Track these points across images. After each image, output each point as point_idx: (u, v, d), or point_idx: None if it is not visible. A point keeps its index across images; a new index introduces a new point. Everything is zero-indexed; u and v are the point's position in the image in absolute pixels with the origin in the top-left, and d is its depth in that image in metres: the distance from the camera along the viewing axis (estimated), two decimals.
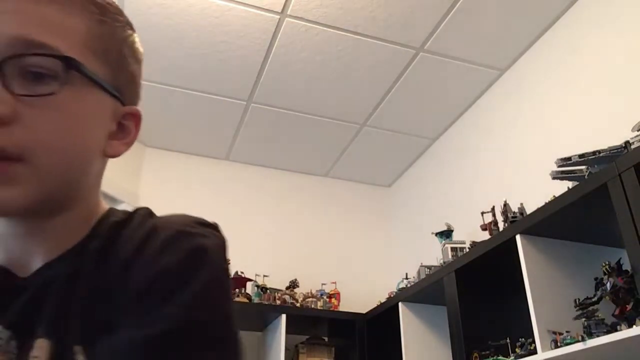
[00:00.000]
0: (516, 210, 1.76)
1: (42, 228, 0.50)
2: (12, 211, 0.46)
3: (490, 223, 1.97)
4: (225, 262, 0.51)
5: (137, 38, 0.56)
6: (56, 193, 0.48)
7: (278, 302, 2.53)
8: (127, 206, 2.72)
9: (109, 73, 0.51)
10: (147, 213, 0.54)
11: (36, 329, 0.47)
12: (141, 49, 0.58)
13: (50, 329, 0.47)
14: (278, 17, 2.13)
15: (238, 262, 2.43)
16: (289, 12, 2.11)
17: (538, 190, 1.68)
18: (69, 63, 0.46)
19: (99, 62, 0.50)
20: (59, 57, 0.46)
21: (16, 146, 0.44)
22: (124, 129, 0.55)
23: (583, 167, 1.46)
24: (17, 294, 0.49)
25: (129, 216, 0.54)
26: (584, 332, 1.33)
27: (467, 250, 1.97)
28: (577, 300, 1.42)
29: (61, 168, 0.48)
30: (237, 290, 2.47)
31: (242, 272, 2.50)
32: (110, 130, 0.53)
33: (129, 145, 0.56)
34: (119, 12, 0.54)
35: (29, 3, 0.46)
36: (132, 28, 0.56)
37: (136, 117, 0.56)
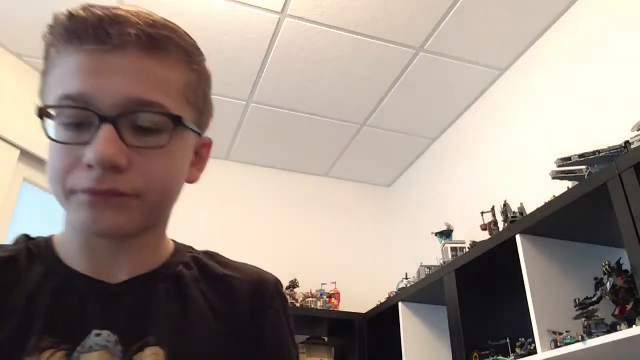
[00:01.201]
0: (516, 210, 1.76)
1: (133, 243, 0.58)
2: (121, 234, 0.54)
3: (490, 223, 1.97)
4: None
5: (206, 63, 0.63)
6: (154, 219, 0.57)
7: None
8: None
9: (196, 114, 0.59)
10: (214, 254, 0.68)
11: (146, 336, 0.54)
12: (211, 77, 0.65)
13: (164, 339, 0.54)
14: (278, 17, 2.13)
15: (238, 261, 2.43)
16: (289, 12, 2.11)
17: (538, 190, 1.69)
18: (176, 120, 0.54)
19: (191, 108, 0.58)
20: (168, 115, 0.53)
21: (132, 189, 0.51)
22: (199, 157, 0.63)
23: (583, 167, 1.46)
24: (115, 300, 0.55)
25: (208, 254, 0.67)
26: (584, 332, 1.33)
27: (467, 250, 1.97)
28: (577, 300, 1.42)
29: (164, 201, 0.57)
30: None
31: None
32: (191, 160, 0.61)
33: (202, 170, 0.64)
34: (200, 54, 0.61)
35: (138, 63, 0.52)
36: (204, 57, 0.62)
37: (208, 146, 0.65)
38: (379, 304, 2.51)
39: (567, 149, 1.56)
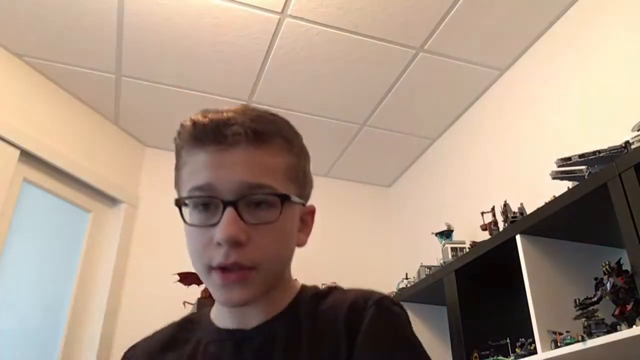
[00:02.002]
0: (516, 210, 1.76)
1: (258, 302, 0.68)
2: (243, 304, 0.65)
3: (490, 223, 1.97)
4: None
5: (304, 144, 0.74)
6: (273, 284, 0.68)
7: None
8: (127, 206, 2.72)
9: (299, 189, 0.70)
10: (335, 287, 0.78)
11: None
12: (309, 154, 0.75)
13: None
14: (278, 17, 2.13)
15: None
16: (289, 12, 2.11)
17: (538, 190, 1.68)
18: (284, 198, 0.65)
19: (294, 185, 0.68)
20: (278, 195, 0.64)
21: (251, 261, 0.63)
22: (304, 223, 0.74)
23: (583, 167, 1.46)
24: (247, 342, 0.67)
25: (328, 289, 0.78)
26: (584, 332, 1.32)
27: (467, 250, 1.97)
28: (577, 300, 1.41)
29: (278, 268, 0.69)
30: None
31: None
32: (298, 227, 0.72)
33: (308, 234, 0.75)
34: (297, 137, 0.73)
35: (249, 155, 0.64)
36: (300, 138, 0.74)
37: (312, 212, 0.76)
38: None
39: (567, 149, 1.56)
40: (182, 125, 0.68)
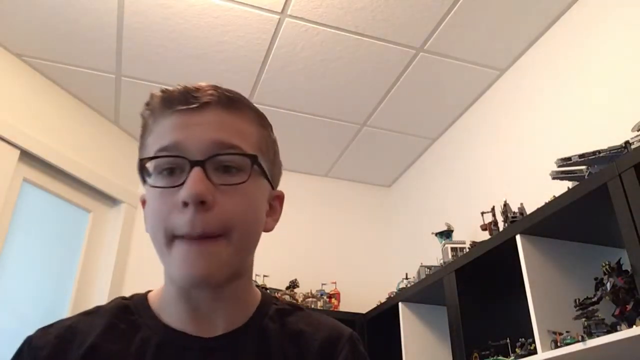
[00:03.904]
0: (516, 210, 1.76)
1: (225, 295, 0.64)
2: (213, 282, 0.60)
3: (490, 223, 1.97)
4: None
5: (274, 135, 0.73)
6: (239, 263, 0.64)
7: None
8: (127, 206, 2.72)
9: (268, 166, 0.67)
10: (297, 306, 0.74)
11: None
12: (277, 141, 0.74)
13: None
14: (278, 17, 2.13)
15: None
16: (289, 12, 2.11)
17: (538, 190, 1.68)
18: (254, 159, 0.62)
19: (264, 158, 0.66)
20: (247, 155, 0.62)
21: (218, 227, 0.59)
22: (273, 208, 0.70)
23: (583, 167, 1.46)
24: (209, 355, 0.62)
25: (291, 307, 0.72)
26: (584, 332, 1.32)
27: (467, 250, 1.97)
28: (577, 300, 1.41)
29: (247, 242, 0.64)
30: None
31: None
32: (266, 209, 0.68)
33: (276, 221, 0.71)
34: (268, 122, 0.72)
35: (219, 116, 0.63)
36: (272, 128, 0.73)
37: (281, 198, 0.72)
38: (379, 304, 2.51)
39: (567, 149, 1.56)
40: (151, 96, 0.66)
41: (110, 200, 2.72)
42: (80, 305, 2.45)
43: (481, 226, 2.02)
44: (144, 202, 0.66)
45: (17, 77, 2.35)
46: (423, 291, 2.17)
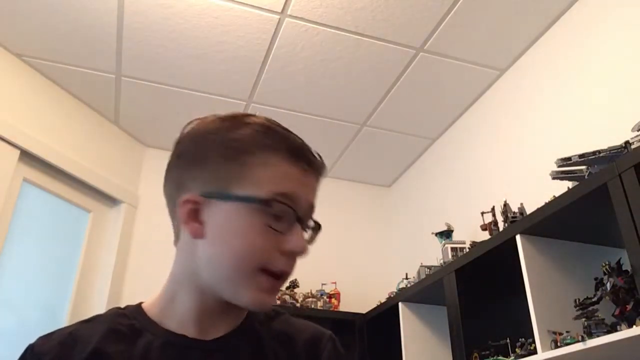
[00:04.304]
0: (516, 210, 1.76)
1: (227, 306, 0.69)
2: (269, 309, 0.75)
3: (490, 223, 1.97)
4: None
5: None
6: None
7: (278, 302, 2.53)
8: (127, 206, 2.72)
9: None
10: (280, 311, 0.79)
11: None
12: None
13: None
14: (278, 17, 2.13)
15: None
16: (289, 12, 2.11)
17: (538, 190, 1.68)
18: (319, 228, 0.72)
19: None
20: (319, 225, 0.72)
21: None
22: None
23: (583, 167, 1.46)
24: (210, 353, 0.67)
25: (274, 312, 0.78)
26: (584, 332, 1.32)
27: (467, 250, 1.97)
28: (577, 300, 1.41)
29: None
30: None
31: None
32: None
33: None
34: None
35: (318, 183, 0.72)
36: None
37: None
38: (379, 304, 2.51)
39: (567, 149, 1.56)
40: (274, 130, 0.69)
41: (110, 200, 2.72)
42: (80, 305, 2.45)
43: (481, 226, 2.02)
44: (194, 210, 0.67)
45: (17, 77, 2.35)
46: (423, 291, 2.17)
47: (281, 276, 0.67)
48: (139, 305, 0.73)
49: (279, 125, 0.70)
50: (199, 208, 0.67)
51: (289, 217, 0.66)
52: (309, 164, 0.69)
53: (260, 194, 0.65)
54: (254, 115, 0.71)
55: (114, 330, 0.68)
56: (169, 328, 0.69)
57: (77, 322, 0.71)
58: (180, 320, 0.69)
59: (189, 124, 0.73)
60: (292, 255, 0.67)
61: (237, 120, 0.70)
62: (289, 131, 0.71)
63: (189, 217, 0.67)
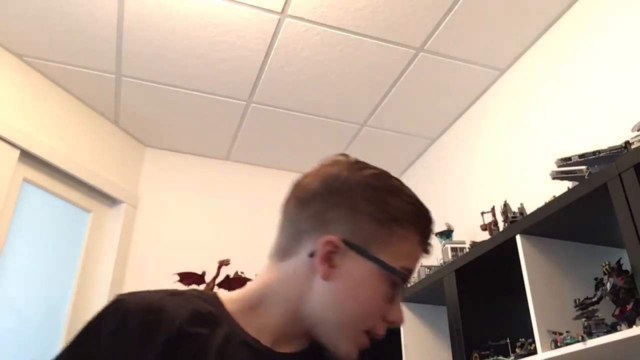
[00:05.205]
0: (516, 210, 1.76)
1: (307, 332, 0.72)
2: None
3: (490, 223, 1.97)
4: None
5: None
6: None
7: None
8: (127, 206, 2.72)
9: None
10: None
11: None
12: None
13: None
14: (278, 17, 2.13)
15: (238, 262, 2.42)
16: (289, 12, 2.10)
17: (538, 190, 1.68)
18: None
19: None
20: None
21: None
22: None
23: (583, 167, 1.45)
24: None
25: None
26: (584, 332, 1.32)
27: (467, 250, 1.97)
28: (577, 300, 1.41)
29: None
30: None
31: (242, 272, 2.50)
32: None
33: None
34: None
35: None
36: None
37: None
38: None
39: (567, 149, 1.55)
40: (428, 218, 0.75)
41: (110, 200, 2.72)
42: (80, 305, 2.45)
43: (481, 226, 2.02)
44: (331, 252, 0.69)
45: (17, 77, 2.35)
46: (423, 291, 2.17)
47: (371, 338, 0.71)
48: (216, 295, 0.74)
49: (423, 204, 0.75)
50: (336, 252, 0.69)
51: (399, 289, 0.71)
52: (429, 247, 0.76)
53: (394, 264, 0.69)
54: (400, 182, 0.76)
55: (199, 312, 0.68)
56: (244, 327, 0.70)
57: (163, 291, 0.70)
58: (259, 326, 0.71)
59: (340, 160, 0.76)
60: (391, 325, 0.71)
61: (394, 185, 0.75)
62: (428, 212, 0.76)
63: (325, 257, 0.69)
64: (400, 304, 0.72)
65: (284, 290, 0.72)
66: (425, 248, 0.74)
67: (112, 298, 0.67)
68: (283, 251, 0.74)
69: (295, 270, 0.71)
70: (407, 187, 0.76)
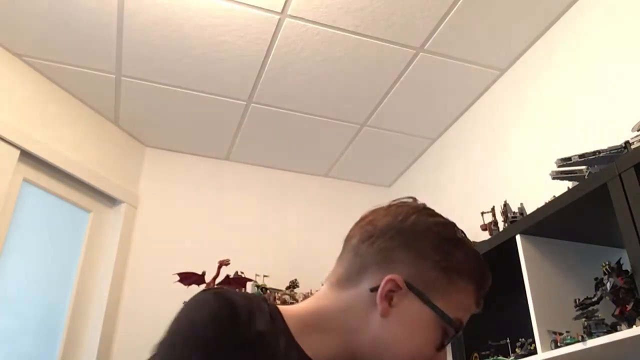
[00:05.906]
0: (516, 210, 1.76)
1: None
2: None
3: (490, 223, 1.97)
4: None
5: None
6: None
7: (278, 302, 2.53)
8: (127, 206, 2.72)
9: None
10: None
11: None
12: None
13: None
14: (278, 17, 2.13)
15: (238, 262, 2.42)
16: (289, 12, 2.10)
17: (538, 190, 1.68)
18: None
19: None
20: None
21: None
22: None
23: (583, 167, 1.46)
24: None
25: None
26: (584, 332, 1.33)
27: None
28: (577, 300, 1.42)
29: None
30: (237, 290, 2.47)
31: (242, 272, 2.50)
32: None
33: None
34: None
35: None
36: None
37: None
38: None
39: (567, 149, 1.56)
40: (479, 263, 0.77)
41: (110, 200, 2.72)
42: (80, 305, 2.45)
43: (481, 226, 2.02)
44: (392, 290, 0.71)
45: (17, 77, 2.35)
46: None
47: None
48: (278, 308, 0.74)
49: (484, 261, 0.78)
50: (396, 291, 0.70)
51: (449, 338, 0.72)
52: (482, 304, 0.78)
53: (450, 314, 0.71)
54: (464, 234, 0.78)
55: (269, 320, 0.68)
56: (302, 347, 0.70)
57: (240, 294, 0.69)
58: (315, 350, 0.71)
59: (409, 203, 0.82)
60: None
61: (460, 238, 0.76)
62: (488, 269, 0.78)
63: (386, 295, 0.70)
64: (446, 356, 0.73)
65: (341, 318, 0.72)
66: (478, 303, 0.77)
67: (206, 293, 0.67)
68: (344, 281, 0.76)
69: (354, 301, 0.73)
70: (470, 241, 0.78)
